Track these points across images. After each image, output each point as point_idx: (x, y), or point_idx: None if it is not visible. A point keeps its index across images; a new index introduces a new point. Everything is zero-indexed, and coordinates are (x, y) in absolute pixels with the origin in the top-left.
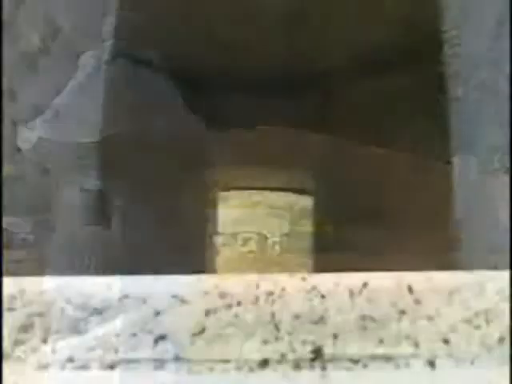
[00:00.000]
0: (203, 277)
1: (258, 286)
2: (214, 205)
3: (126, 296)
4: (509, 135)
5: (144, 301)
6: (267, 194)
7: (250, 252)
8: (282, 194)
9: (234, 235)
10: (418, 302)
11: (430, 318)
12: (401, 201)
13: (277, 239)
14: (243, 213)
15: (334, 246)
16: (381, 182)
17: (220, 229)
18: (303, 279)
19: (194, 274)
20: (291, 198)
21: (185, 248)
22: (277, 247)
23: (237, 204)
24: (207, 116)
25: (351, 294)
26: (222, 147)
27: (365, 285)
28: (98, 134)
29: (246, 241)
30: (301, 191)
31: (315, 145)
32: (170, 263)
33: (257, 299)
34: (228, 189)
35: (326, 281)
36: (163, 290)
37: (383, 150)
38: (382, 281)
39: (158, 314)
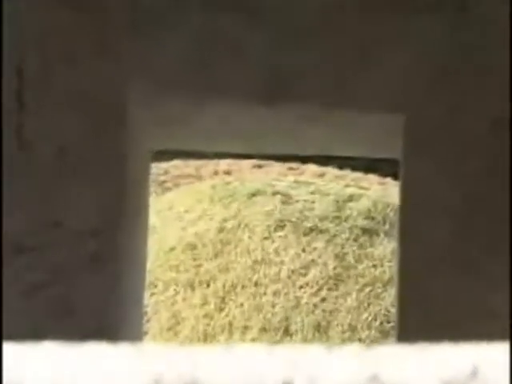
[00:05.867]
0: (149, 347)
1: (261, 376)
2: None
3: None
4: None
5: None
6: (275, 168)
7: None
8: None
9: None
10: None
11: None
12: None
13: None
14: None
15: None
16: None
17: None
18: (357, 357)
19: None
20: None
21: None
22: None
23: (204, 193)
24: None
25: None
26: None
27: (474, 373)
28: None
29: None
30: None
31: None
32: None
33: None
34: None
35: (397, 361)
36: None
37: None
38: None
39: None
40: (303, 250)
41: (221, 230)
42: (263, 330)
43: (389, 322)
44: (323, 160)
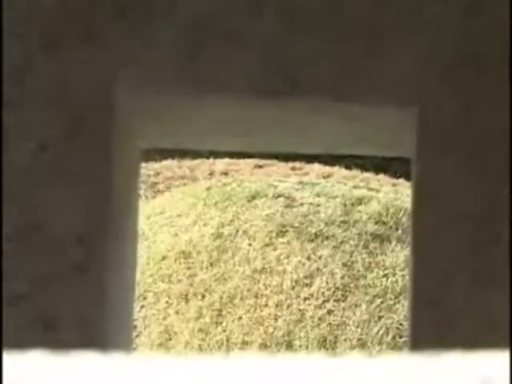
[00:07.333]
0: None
1: None
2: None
3: None
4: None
5: None
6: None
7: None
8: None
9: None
10: None
11: None
12: None
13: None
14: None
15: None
16: None
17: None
18: (365, 367)
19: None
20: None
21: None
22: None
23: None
24: None
25: None
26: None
27: None
28: None
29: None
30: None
31: None
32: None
33: None
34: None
35: (407, 372)
36: None
37: None
38: None
39: None
40: (308, 258)
41: (217, 236)
42: (264, 345)
43: (401, 337)
44: (330, 159)
